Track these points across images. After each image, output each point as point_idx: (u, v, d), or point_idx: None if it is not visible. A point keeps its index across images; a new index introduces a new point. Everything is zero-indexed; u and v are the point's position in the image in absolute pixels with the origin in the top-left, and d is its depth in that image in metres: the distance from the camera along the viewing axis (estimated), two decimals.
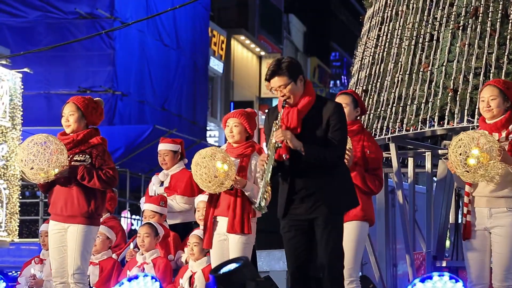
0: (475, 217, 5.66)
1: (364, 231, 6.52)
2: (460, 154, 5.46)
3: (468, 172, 5.46)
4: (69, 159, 6.30)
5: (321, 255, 5.28)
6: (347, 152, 5.85)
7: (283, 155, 5.28)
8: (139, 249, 7.37)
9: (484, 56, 7.55)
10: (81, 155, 6.34)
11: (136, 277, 4.44)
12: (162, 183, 8.02)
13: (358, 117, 6.60)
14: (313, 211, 5.29)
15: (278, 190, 5.51)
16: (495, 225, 5.61)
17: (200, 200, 7.12)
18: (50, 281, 6.64)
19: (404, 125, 7.87)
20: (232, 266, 4.33)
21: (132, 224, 17.96)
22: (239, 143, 6.32)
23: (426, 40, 7.99)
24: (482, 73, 7.53)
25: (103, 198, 6.44)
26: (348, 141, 5.79)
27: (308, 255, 5.35)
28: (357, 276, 6.45)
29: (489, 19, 7.63)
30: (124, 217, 17.29)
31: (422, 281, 4.00)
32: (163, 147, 7.97)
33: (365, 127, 8.26)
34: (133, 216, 18.17)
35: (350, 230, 6.29)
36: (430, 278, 3.99)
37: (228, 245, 6.23)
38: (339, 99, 6.47)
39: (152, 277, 4.40)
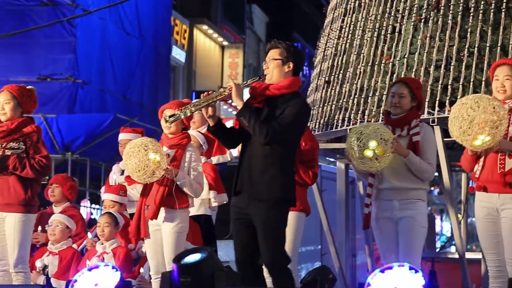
0: (380, 209, 5.81)
1: (300, 222, 6.64)
2: (358, 146, 5.60)
3: (363, 163, 5.63)
4: (2, 147, 6.28)
5: (263, 255, 5.31)
6: None
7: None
8: (99, 238, 7.33)
9: (445, 48, 7.61)
10: (15, 143, 6.33)
11: (97, 267, 4.42)
12: (123, 172, 7.98)
13: None
14: (248, 205, 5.32)
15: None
16: (403, 215, 5.75)
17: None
18: None
19: (366, 116, 7.92)
20: (198, 256, 4.31)
21: (91, 214, 17.83)
22: (174, 134, 6.33)
23: (388, 32, 8.03)
24: (443, 65, 7.59)
25: (38, 185, 6.44)
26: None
27: (254, 245, 5.37)
28: (295, 266, 6.56)
29: (451, 12, 7.69)
30: (84, 206, 17.16)
31: (382, 271, 4.03)
32: (124, 136, 7.93)
33: (327, 118, 8.31)
34: (93, 205, 18.05)
35: (292, 220, 6.38)
36: (390, 268, 4.02)
37: (162, 234, 6.26)
38: None
39: (113, 267, 4.37)
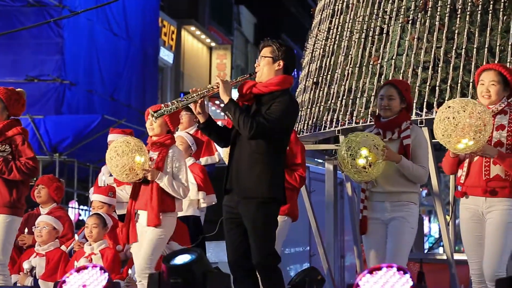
0: (371, 210, 5.80)
1: (285, 226, 6.59)
2: (350, 155, 5.57)
3: (357, 173, 5.58)
4: None
5: (253, 255, 5.32)
6: None
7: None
8: (87, 240, 7.32)
9: (433, 50, 7.64)
10: (1, 146, 6.29)
11: (85, 268, 4.40)
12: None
13: None
14: (238, 204, 5.33)
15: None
16: (394, 216, 5.74)
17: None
18: None
19: (354, 118, 7.93)
20: (187, 257, 4.30)
21: (79, 215, 17.79)
22: (158, 136, 6.31)
23: (376, 33, 8.05)
24: (430, 66, 7.61)
25: (25, 188, 6.40)
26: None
27: (246, 244, 5.37)
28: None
29: (438, 13, 7.71)
30: (72, 207, 17.12)
31: (370, 272, 4.03)
32: (113, 137, 7.91)
33: (315, 119, 8.32)
34: (81, 207, 18.01)
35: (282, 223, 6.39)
36: (379, 269, 4.02)
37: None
38: None
39: (101, 268, 4.36)
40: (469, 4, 7.62)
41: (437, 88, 7.55)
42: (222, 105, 5.39)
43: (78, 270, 4.37)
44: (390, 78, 7.73)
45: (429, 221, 28.74)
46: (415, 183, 5.84)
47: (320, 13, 8.96)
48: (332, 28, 8.58)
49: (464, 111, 5.28)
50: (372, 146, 5.60)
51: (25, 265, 7.42)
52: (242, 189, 5.33)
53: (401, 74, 7.70)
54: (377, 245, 5.81)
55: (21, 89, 6.57)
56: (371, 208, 5.83)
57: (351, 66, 8.15)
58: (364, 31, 8.13)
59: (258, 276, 5.39)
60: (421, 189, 6.13)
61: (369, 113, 7.80)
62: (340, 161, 5.67)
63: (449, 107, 5.35)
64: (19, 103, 6.46)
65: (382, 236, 5.82)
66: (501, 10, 7.54)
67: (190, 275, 4.22)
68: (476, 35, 7.54)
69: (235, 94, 5.43)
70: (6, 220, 6.28)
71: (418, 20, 7.79)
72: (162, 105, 5.57)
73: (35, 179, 7.95)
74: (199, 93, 5.37)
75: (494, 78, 5.50)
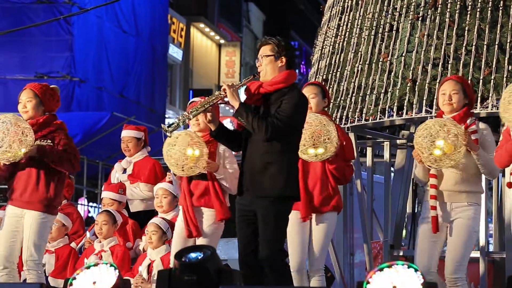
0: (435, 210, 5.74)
1: (335, 222, 6.63)
2: (427, 145, 5.53)
3: (433, 158, 5.53)
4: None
5: (261, 250, 5.31)
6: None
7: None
8: (97, 237, 7.32)
9: (443, 47, 7.61)
10: (43, 140, 6.29)
11: (95, 265, 4.41)
12: (124, 170, 7.97)
13: (325, 108, 6.64)
14: (253, 202, 5.32)
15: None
16: (455, 218, 5.69)
17: (160, 187, 7.10)
18: None
19: (363, 115, 7.91)
20: (201, 254, 4.29)
21: (89, 212, 17.83)
22: (203, 132, 6.29)
23: (386, 30, 8.03)
24: (440, 63, 7.59)
25: (62, 186, 6.39)
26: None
27: (256, 243, 5.38)
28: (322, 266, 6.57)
29: (448, 10, 7.69)
30: (81, 204, 17.16)
31: (381, 269, 4.03)
32: (127, 133, 7.92)
33: None
34: (90, 204, 18.05)
35: (327, 220, 6.42)
36: (389, 267, 4.01)
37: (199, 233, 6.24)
38: (307, 89, 6.50)
39: (111, 265, 4.36)
40: (479, 0, 7.60)
41: None
42: (232, 110, 5.40)
43: (89, 267, 4.38)
44: (400, 75, 7.72)
45: None
46: (479, 183, 5.74)
47: (330, 10, 8.95)
48: (341, 25, 8.56)
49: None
50: (454, 135, 5.50)
51: None
52: (257, 188, 5.32)
53: (410, 71, 7.69)
54: (431, 242, 5.71)
55: (55, 86, 6.55)
56: (427, 208, 5.74)
57: (360, 63, 8.14)
58: (373, 28, 8.12)
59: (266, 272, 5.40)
60: None
61: (379, 110, 7.78)
62: (417, 148, 5.58)
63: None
64: (54, 99, 6.42)
65: (438, 234, 5.70)
66: None
67: (204, 272, 4.21)
68: (487, 32, 7.51)
69: (242, 96, 5.43)
70: (40, 217, 6.24)
71: (428, 17, 7.77)
72: (176, 119, 5.51)
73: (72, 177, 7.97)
74: (208, 101, 5.36)
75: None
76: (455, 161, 5.56)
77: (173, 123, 5.45)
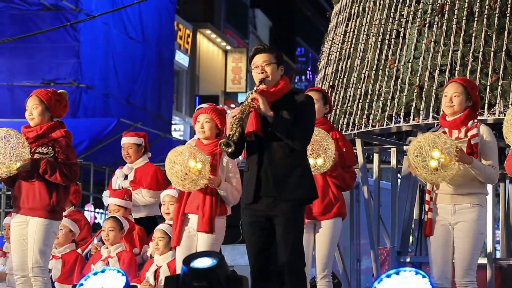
0: (437, 214, 5.73)
1: (340, 227, 6.62)
2: (417, 156, 5.54)
3: (428, 173, 5.54)
4: (32, 151, 6.25)
5: (281, 255, 5.29)
6: None
7: (252, 132, 5.30)
8: (103, 243, 7.33)
9: (450, 53, 7.61)
10: (44, 148, 6.28)
11: (102, 271, 4.41)
12: (126, 176, 7.98)
13: (326, 115, 6.65)
14: (272, 208, 5.31)
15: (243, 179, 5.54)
16: (459, 221, 5.68)
17: (166, 194, 7.09)
18: (12, 274, 6.57)
19: (370, 121, 7.91)
20: (209, 260, 4.29)
21: (95, 218, 17.84)
22: (209, 140, 6.28)
23: (393, 36, 8.03)
24: (447, 70, 7.59)
25: (65, 192, 6.38)
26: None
27: (268, 251, 5.38)
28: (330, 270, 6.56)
29: (455, 16, 7.69)
30: (88, 210, 17.17)
31: (389, 276, 4.02)
32: (127, 140, 7.94)
33: (332, 122, 8.31)
34: (97, 210, 18.06)
35: (330, 226, 6.43)
36: (397, 273, 4.00)
37: (197, 241, 6.23)
38: (309, 94, 6.50)
39: (118, 271, 4.37)
40: (487, 7, 7.59)
41: None
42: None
43: (96, 273, 4.38)
44: (406, 82, 7.72)
45: None
46: (483, 184, 5.72)
47: (337, 17, 8.95)
48: (348, 31, 8.57)
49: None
50: (444, 147, 5.51)
51: None
52: (282, 192, 5.31)
53: (417, 78, 7.69)
54: (442, 248, 5.72)
55: (63, 90, 6.54)
56: (437, 211, 5.73)
57: (367, 69, 8.14)
58: (380, 34, 8.12)
59: (284, 277, 5.38)
60: None
61: (386, 116, 7.78)
62: (411, 163, 5.59)
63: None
64: (60, 104, 6.42)
65: (447, 239, 5.70)
66: None
67: (215, 279, 4.19)
68: (494, 38, 7.51)
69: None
70: (44, 224, 6.24)
71: (435, 23, 7.77)
72: (224, 140, 5.38)
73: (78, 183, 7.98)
74: (243, 112, 5.31)
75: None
76: (449, 175, 5.57)
77: (225, 141, 5.30)
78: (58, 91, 6.45)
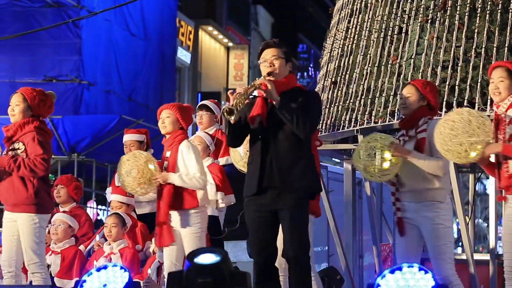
0: (403, 211, 5.78)
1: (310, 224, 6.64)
2: (371, 160, 5.61)
3: (381, 176, 5.62)
4: (6, 149, 6.33)
5: (287, 248, 5.29)
6: None
7: (257, 117, 5.32)
8: (106, 239, 7.33)
9: (452, 49, 7.60)
10: (16, 144, 6.35)
11: (105, 267, 4.41)
12: None
13: None
14: (278, 201, 5.31)
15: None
16: (422, 218, 5.72)
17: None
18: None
19: (373, 117, 7.90)
20: (213, 256, 4.29)
21: (98, 214, 17.85)
22: (170, 134, 6.36)
23: (395, 32, 8.02)
24: (450, 66, 7.58)
25: (44, 183, 6.38)
26: None
27: (272, 245, 5.39)
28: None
29: (457, 12, 7.68)
30: (90, 207, 17.18)
31: (392, 272, 4.01)
32: (129, 137, 7.94)
33: (333, 119, 8.30)
34: (99, 206, 18.07)
35: None
36: (400, 269, 4.00)
37: (181, 237, 6.30)
38: None
39: (121, 267, 4.37)
40: (489, 3, 7.58)
41: (456, 87, 7.51)
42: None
43: (99, 269, 4.38)
44: (409, 78, 7.71)
45: None
46: (440, 179, 5.76)
47: (339, 13, 8.94)
48: (350, 27, 8.56)
49: (460, 121, 5.36)
50: (390, 144, 5.62)
51: None
52: (286, 184, 5.31)
53: (420, 74, 7.67)
54: (410, 245, 5.77)
55: (51, 92, 6.57)
56: (402, 209, 5.80)
57: (369, 65, 8.13)
58: (383, 30, 8.11)
59: (289, 269, 5.38)
60: None
61: (388, 112, 7.77)
62: (363, 168, 5.67)
63: (445, 120, 5.47)
64: (45, 105, 6.45)
65: (412, 236, 5.77)
66: None
67: (219, 275, 4.19)
68: (496, 34, 7.50)
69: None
70: (30, 220, 6.26)
71: (438, 19, 7.76)
72: (226, 106, 5.39)
73: (54, 179, 7.98)
74: (247, 90, 5.35)
75: (502, 74, 5.56)
76: (395, 170, 5.67)
77: (231, 110, 5.32)
78: (46, 92, 6.48)
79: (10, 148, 6.35)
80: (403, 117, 5.96)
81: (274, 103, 5.34)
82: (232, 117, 5.30)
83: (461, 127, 5.40)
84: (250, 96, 5.39)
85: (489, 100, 7.30)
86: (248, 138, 5.54)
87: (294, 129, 5.29)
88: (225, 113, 5.29)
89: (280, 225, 5.38)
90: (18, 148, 6.32)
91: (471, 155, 5.37)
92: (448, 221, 5.78)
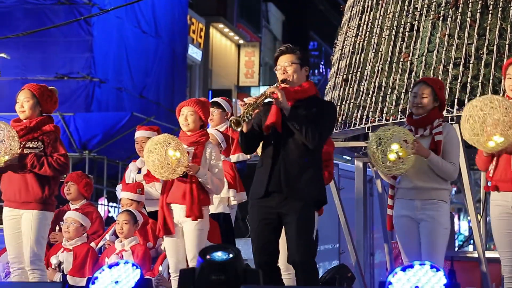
0: (402, 207, 5.77)
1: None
2: (381, 150, 5.59)
3: (387, 167, 5.58)
4: (21, 146, 6.31)
5: (293, 253, 5.31)
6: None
7: (271, 123, 5.34)
8: (117, 237, 7.34)
9: (464, 46, 7.58)
10: (33, 142, 6.36)
11: (117, 264, 4.41)
12: (139, 170, 8.00)
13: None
14: (284, 206, 5.32)
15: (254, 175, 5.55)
16: (424, 216, 5.71)
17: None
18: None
19: (384, 115, 7.89)
20: (227, 254, 4.29)
21: (109, 212, 17.89)
22: (193, 132, 6.32)
23: (407, 30, 8.01)
24: (461, 63, 7.56)
25: (56, 183, 6.44)
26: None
27: (276, 247, 5.42)
28: None
29: (469, 9, 7.66)
30: (101, 204, 17.22)
31: (403, 270, 4.01)
32: (141, 134, 7.97)
33: (345, 116, 8.29)
34: (110, 204, 18.11)
35: None
36: (411, 267, 4.00)
37: (182, 231, 6.27)
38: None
39: (133, 264, 4.37)
40: (501, 0, 7.56)
41: (468, 85, 7.49)
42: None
43: (110, 266, 4.39)
44: (420, 75, 7.70)
45: (459, 219, 28.56)
46: (446, 180, 5.82)
47: (350, 10, 8.93)
48: (362, 25, 8.55)
49: (491, 108, 5.28)
50: (402, 140, 5.61)
51: (53, 260, 7.46)
52: (292, 191, 5.34)
53: (431, 71, 7.66)
54: (412, 240, 5.79)
55: (53, 87, 6.61)
56: (401, 206, 5.82)
57: (381, 63, 8.11)
58: (394, 27, 8.09)
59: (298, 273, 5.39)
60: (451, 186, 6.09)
61: (399, 110, 7.76)
62: (370, 155, 5.69)
63: (473, 105, 5.37)
64: (51, 100, 6.50)
65: (413, 233, 5.80)
66: None
67: (233, 272, 4.20)
68: (508, 31, 7.48)
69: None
70: (38, 216, 6.31)
71: (449, 16, 7.74)
72: (234, 117, 5.39)
73: (64, 176, 8.01)
74: (257, 100, 5.35)
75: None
76: (406, 167, 5.63)
77: (238, 121, 5.34)
78: (49, 88, 6.51)
79: (27, 146, 6.33)
80: (414, 114, 5.91)
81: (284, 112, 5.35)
82: (239, 128, 5.31)
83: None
84: (265, 101, 5.41)
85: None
86: None
87: (303, 140, 5.32)
88: (232, 125, 5.30)
89: (284, 229, 5.41)
90: (37, 147, 6.32)
91: None
92: (447, 222, 5.82)
